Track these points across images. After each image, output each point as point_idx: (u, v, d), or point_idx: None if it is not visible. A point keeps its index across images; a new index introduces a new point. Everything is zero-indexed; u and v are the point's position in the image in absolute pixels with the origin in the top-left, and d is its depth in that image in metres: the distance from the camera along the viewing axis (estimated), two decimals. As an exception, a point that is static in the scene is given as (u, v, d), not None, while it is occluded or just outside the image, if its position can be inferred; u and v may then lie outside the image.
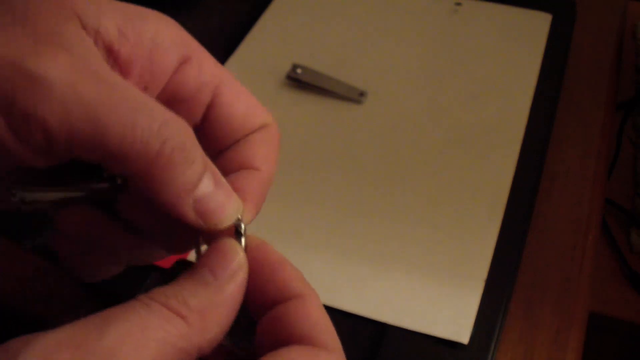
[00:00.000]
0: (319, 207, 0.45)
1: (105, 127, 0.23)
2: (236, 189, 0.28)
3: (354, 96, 0.52)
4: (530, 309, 0.42)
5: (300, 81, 0.53)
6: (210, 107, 0.29)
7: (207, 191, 0.26)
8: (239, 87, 0.30)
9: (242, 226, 0.27)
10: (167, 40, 0.28)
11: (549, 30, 0.58)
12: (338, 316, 0.40)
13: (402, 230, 0.44)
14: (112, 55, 0.26)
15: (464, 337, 0.38)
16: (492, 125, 0.50)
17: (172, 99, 0.29)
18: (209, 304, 0.24)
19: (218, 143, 0.30)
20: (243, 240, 0.27)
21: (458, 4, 0.61)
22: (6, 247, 0.45)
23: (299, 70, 0.53)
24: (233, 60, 0.55)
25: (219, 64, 0.30)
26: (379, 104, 0.52)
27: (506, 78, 0.54)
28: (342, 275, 0.41)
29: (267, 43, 0.57)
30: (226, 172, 0.29)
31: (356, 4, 0.61)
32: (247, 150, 0.30)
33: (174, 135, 0.25)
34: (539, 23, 0.59)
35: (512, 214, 0.45)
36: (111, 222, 0.28)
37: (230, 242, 0.26)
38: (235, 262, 0.25)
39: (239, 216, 0.27)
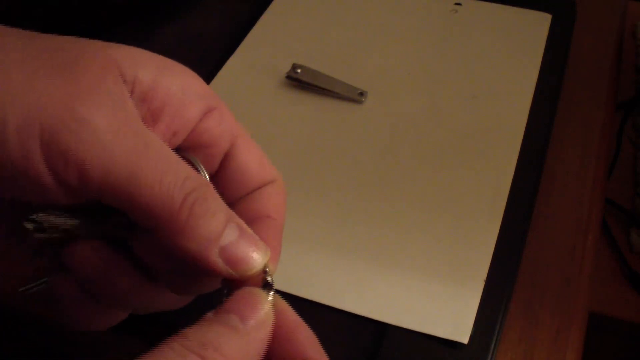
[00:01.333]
0: (318, 207, 0.45)
1: (138, 177, 0.25)
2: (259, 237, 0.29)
3: (354, 96, 0.52)
4: (530, 309, 0.42)
5: (300, 81, 0.53)
6: (227, 156, 0.31)
7: (232, 239, 0.27)
8: (253, 143, 0.32)
9: (271, 279, 0.28)
10: (194, 92, 0.30)
11: (549, 30, 0.58)
12: (338, 316, 0.40)
13: (402, 230, 0.44)
14: (145, 103, 0.28)
15: (463, 337, 0.38)
16: (492, 125, 0.50)
17: (195, 144, 0.30)
18: (240, 352, 0.24)
19: (233, 192, 0.32)
20: (272, 293, 0.27)
21: (458, 4, 0.61)
22: (6, 247, 0.45)
23: (299, 70, 0.53)
24: (233, 60, 0.55)
25: (235, 119, 0.32)
26: (379, 104, 0.52)
27: (506, 78, 0.54)
28: (343, 275, 0.41)
29: (267, 43, 0.57)
30: (243, 220, 0.30)
31: (356, 3, 0.61)
32: (260, 200, 0.31)
33: (196, 189, 0.26)
34: (539, 23, 0.59)
35: (512, 214, 0.45)
36: (122, 262, 0.29)
37: (259, 291, 0.27)
38: (263, 311, 0.26)
39: (267, 267, 0.28)
